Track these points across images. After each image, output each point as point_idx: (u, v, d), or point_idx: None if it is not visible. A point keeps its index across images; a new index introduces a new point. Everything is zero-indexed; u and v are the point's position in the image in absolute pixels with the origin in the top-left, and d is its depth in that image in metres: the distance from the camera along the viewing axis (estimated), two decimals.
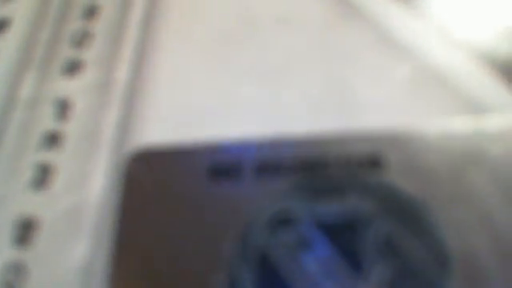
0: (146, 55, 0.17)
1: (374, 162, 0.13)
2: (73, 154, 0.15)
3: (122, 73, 0.16)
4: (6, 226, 0.14)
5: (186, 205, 0.14)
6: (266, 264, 0.13)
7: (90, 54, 0.17)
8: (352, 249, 0.12)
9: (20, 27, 0.18)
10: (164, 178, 0.14)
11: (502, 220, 0.12)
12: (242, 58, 0.15)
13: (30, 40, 0.18)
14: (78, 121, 0.16)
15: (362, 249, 0.12)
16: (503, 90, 0.14)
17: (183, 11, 0.17)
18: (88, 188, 0.15)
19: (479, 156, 0.13)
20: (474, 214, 0.12)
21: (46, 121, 0.16)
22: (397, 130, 0.14)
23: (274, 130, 0.14)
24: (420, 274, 0.12)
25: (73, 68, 0.17)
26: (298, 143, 0.14)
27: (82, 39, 0.18)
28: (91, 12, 0.18)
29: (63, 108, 0.16)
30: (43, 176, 0.15)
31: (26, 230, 0.14)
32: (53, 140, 0.16)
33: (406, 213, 0.13)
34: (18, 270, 0.13)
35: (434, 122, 0.14)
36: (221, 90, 0.15)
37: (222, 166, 0.14)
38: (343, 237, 0.13)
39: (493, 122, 0.13)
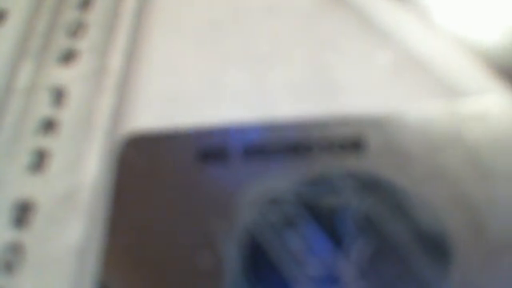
0: (139, 44, 0.17)
1: (355, 145, 0.14)
2: (68, 140, 0.16)
3: (116, 61, 0.17)
4: (5, 209, 0.14)
5: (176, 187, 0.14)
6: (253, 242, 0.13)
7: (85, 44, 0.18)
8: (334, 227, 0.13)
9: (16, 18, 0.18)
10: (155, 162, 0.15)
11: (478, 199, 0.13)
12: (230, 45, 0.16)
13: (27, 30, 0.18)
14: (73, 107, 0.16)
15: (343, 227, 0.13)
16: (482, 75, 0.15)
17: (174, 1, 0.18)
18: (83, 172, 0.15)
19: (456, 138, 0.13)
20: (451, 193, 0.13)
21: (43, 108, 0.16)
22: (377, 114, 0.14)
23: (259, 115, 0.14)
24: (397, 251, 0.12)
25: (68, 57, 0.17)
26: (283, 127, 0.14)
27: (76, 29, 0.18)
28: (86, 2, 0.19)
29: (59, 95, 0.17)
30: (40, 160, 0.15)
31: (23, 212, 0.15)
32: (49, 126, 0.16)
33: (385, 193, 0.13)
34: (16, 251, 0.14)
35: (413, 106, 0.14)
36: (209, 76, 0.16)
37: (210, 149, 0.14)
38: (326, 216, 0.13)
39: (469, 105, 0.14)
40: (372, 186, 0.13)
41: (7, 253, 0.14)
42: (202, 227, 0.13)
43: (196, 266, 0.13)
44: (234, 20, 0.16)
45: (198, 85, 0.16)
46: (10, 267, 0.14)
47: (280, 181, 0.14)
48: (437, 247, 0.12)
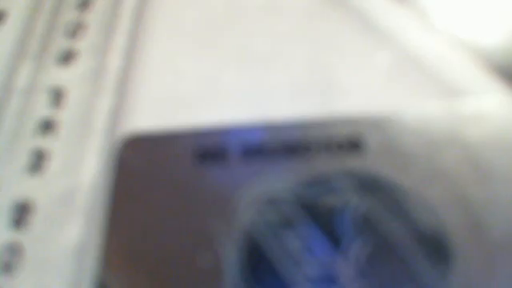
0: (138, 44, 0.17)
1: (353, 145, 0.14)
2: (67, 140, 0.16)
3: (115, 62, 0.17)
4: (4, 209, 0.14)
5: (174, 187, 0.14)
6: (251, 243, 0.13)
7: (84, 44, 0.18)
8: (333, 228, 0.13)
9: (16, 19, 0.18)
10: (153, 162, 0.15)
11: (477, 199, 0.13)
12: (228, 45, 0.16)
13: (26, 31, 0.18)
14: (71, 108, 0.16)
15: (341, 227, 0.13)
16: (481, 75, 0.15)
17: (173, 1, 0.18)
18: (81, 172, 0.15)
19: (455, 138, 0.13)
20: (450, 193, 0.13)
21: (42, 108, 0.16)
22: (376, 114, 0.14)
23: (258, 115, 0.14)
24: (396, 251, 0.12)
25: (67, 57, 0.17)
26: (282, 127, 0.14)
27: (75, 29, 0.18)
28: (85, 3, 0.19)
29: (58, 96, 0.17)
30: (39, 161, 0.15)
31: (22, 213, 0.15)
32: (48, 126, 0.16)
33: (384, 193, 0.13)
34: (14, 251, 0.14)
35: (413, 106, 0.14)
36: (208, 76, 0.16)
37: (209, 150, 0.14)
38: (325, 216, 0.13)
39: (468, 105, 0.14)
40: (371, 186, 0.13)
41: (6, 253, 0.14)
42: (200, 228, 0.13)
43: (194, 267, 0.13)
44: (232, 20, 0.16)
45: (197, 85, 0.16)
46: (8, 268, 0.13)
47: (279, 181, 0.14)
48: (436, 247, 0.12)
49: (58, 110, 0.16)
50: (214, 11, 0.17)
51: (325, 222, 0.13)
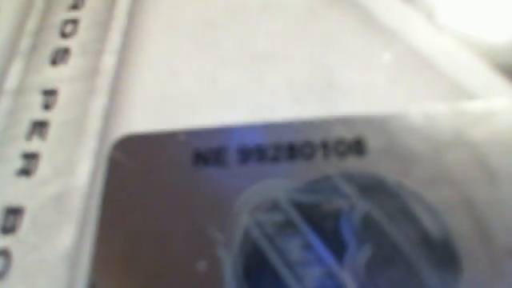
0: (132, 44, 0.17)
1: (356, 147, 0.13)
2: (59, 142, 0.15)
3: (108, 62, 0.16)
4: None
5: (170, 190, 0.14)
6: (250, 247, 0.13)
7: (77, 44, 0.17)
8: (333, 232, 0.12)
9: (7, 17, 0.18)
10: (149, 165, 0.14)
11: (484, 203, 0.12)
12: (227, 44, 0.15)
13: (17, 30, 0.18)
14: (64, 109, 0.16)
15: (342, 232, 0.12)
16: (489, 77, 0.14)
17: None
18: (74, 175, 0.15)
19: (461, 140, 0.13)
20: (456, 197, 0.12)
21: (33, 109, 0.16)
22: (379, 115, 0.14)
23: (258, 116, 0.14)
24: (398, 256, 0.12)
25: (59, 57, 0.17)
26: (282, 128, 0.14)
27: (68, 29, 0.18)
28: (77, 1, 0.18)
29: (50, 97, 0.16)
30: (30, 164, 0.15)
31: (12, 218, 0.14)
32: (40, 128, 0.16)
33: (387, 196, 0.13)
34: (4, 257, 0.13)
35: (417, 107, 0.14)
36: (205, 76, 0.15)
37: (207, 152, 0.14)
38: (325, 219, 0.13)
39: (475, 107, 0.13)
40: (373, 188, 0.13)
41: None
42: (197, 232, 0.13)
43: (191, 272, 0.12)
44: (230, 18, 0.16)
45: (194, 85, 0.15)
46: None
47: (278, 183, 0.13)
48: (442, 254, 0.12)
49: (50, 111, 0.16)
50: (211, 9, 0.16)
51: (325, 226, 0.13)
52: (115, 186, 0.14)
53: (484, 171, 0.13)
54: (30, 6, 0.18)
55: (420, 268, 0.12)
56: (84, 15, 0.18)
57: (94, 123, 0.15)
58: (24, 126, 0.16)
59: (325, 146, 0.13)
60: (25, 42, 0.17)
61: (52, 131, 0.15)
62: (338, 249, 0.12)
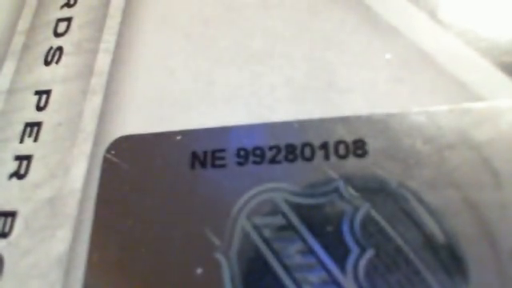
0: (127, 43, 0.16)
1: (357, 148, 0.13)
2: (53, 144, 0.15)
3: (103, 61, 0.16)
4: None
5: (167, 192, 0.13)
6: (248, 250, 0.12)
7: (70, 43, 0.17)
8: (333, 235, 0.12)
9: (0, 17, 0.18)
10: (145, 167, 0.14)
11: (489, 206, 0.12)
12: (224, 43, 0.15)
13: (9, 29, 0.17)
14: (57, 110, 0.15)
15: (342, 235, 0.12)
16: (494, 78, 0.14)
17: None
18: (68, 178, 0.14)
19: (464, 140, 0.13)
20: (459, 198, 0.12)
21: (26, 110, 0.16)
22: (380, 115, 0.13)
23: (256, 116, 0.14)
24: (401, 261, 0.12)
25: (52, 57, 0.17)
26: (281, 129, 0.13)
27: (61, 27, 0.17)
28: (70, 0, 0.18)
29: (43, 97, 0.16)
30: (23, 166, 0.15)
31: (4, 221, 0.14)
32: (33, 129, 0.15)
33: (389, 198, 0.12)
34: None
35: (419, 107, 0.13)
36: (203, 76, 0.15)
37: (204, 153, 0.14)
38: (324, 223, 0.12)
39: (479, 107, 0.13)
40: (375, 191, 0.12)
41: None
42: (195, 236, 0.13)
43: (189, 276, 0.12)
44: (227, 16, 0.16)
45: (191, 85, 0.15)
46: None
47: (278, 185, 0.13)
48: (447, 257, 0.12)
49: (43, 112, 0.15)
50: (208, 8, 0.16)
51: (326, 229, 0.12)
52: (110, 189, 0.14)
53: (488, 173, 0.12)
54: (22, 3, 0.18)
55: (424, 273, 0.11)
56: (77, 13, 0.17)
57: (89, 124, 0.15)
58: (16, 127, 0.15)
59: (325, 147, 0.13)
60: (17, 41, 0.17)
61: (45, 132, 0.15)
62: (340, 254, 0.12)
